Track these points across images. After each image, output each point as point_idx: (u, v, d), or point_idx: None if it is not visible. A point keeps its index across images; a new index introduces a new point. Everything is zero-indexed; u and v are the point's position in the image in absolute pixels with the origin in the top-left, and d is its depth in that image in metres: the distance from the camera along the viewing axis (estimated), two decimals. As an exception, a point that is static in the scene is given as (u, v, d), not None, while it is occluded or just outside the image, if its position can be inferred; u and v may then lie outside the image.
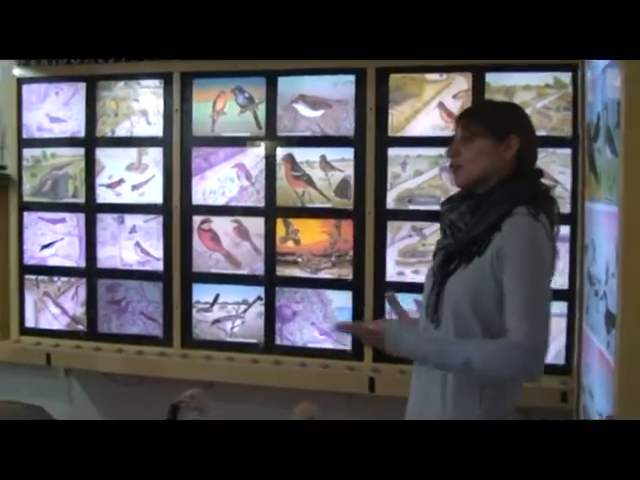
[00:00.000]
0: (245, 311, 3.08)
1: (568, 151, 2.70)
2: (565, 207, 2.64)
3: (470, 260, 1.73)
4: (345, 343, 2.96)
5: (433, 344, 1.74)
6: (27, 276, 3.38)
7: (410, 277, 2.87)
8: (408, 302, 2.75)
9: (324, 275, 2.98)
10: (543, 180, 1.83)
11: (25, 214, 3.37)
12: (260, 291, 3.06)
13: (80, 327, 3.30)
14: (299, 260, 3.01)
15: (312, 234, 3.00)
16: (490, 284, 1.69)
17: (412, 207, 2.89)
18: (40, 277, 3.36)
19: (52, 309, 3.34)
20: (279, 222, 3.04)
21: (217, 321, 3.12)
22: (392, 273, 2.90)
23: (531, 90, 2.72)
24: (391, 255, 2.90)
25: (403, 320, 1.96)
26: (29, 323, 3.38)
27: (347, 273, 2.95)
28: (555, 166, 2.69)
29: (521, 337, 1.62)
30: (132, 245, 3.22)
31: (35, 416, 3.07)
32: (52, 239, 3.34)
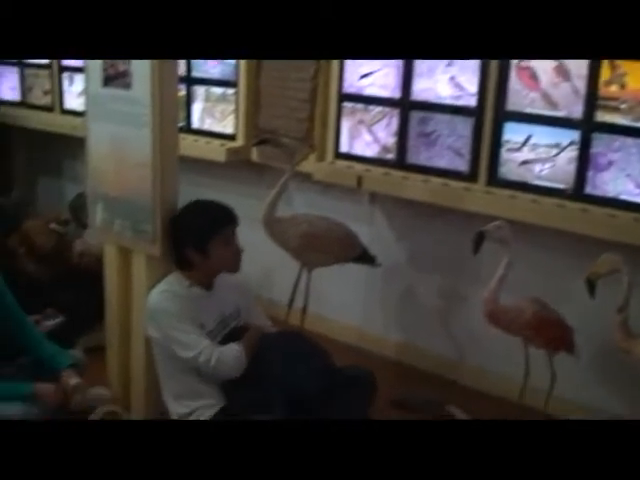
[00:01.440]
0: (556, 155, 2.98)
1: None
2: None
3: None
4: (665, 198, 2.77)
5: None
6: (345, 104, 3.56)
7: None
8: None
9: (650, 124, 2.76)
10: None
11: (347, 43, 3.51)
12: (575, 135, 2.92)
13: (390, 156, 3.45)
14: (622, 106, 2.81)
15: (642, 78, 2.76)
16: None
17: None
18: (357, 105, 3.53)
19: (365, 137, 3.52)
20: (605, 64, 2.82)
21: (526, 162, 3.06)
22: None
23: None
24: None
25: None
26: (343, 148, 3.61)
27: (678, 124, 2.71)
28: None
29: None
30: (447, 79, 3.22)
31: (341, 230, 3.37)
32: (370, 69, 3.44)
